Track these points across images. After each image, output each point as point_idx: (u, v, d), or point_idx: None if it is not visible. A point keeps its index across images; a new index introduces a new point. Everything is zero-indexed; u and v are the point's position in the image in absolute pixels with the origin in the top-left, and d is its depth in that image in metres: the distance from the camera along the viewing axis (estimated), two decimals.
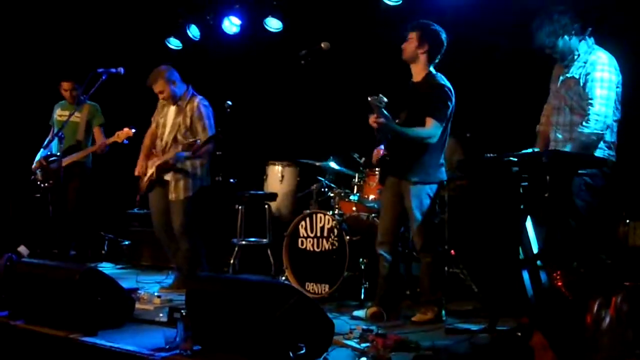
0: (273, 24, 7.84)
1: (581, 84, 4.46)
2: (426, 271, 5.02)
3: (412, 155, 4.93)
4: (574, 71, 4.53)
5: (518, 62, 6.24)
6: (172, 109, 6.20)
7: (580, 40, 4.54)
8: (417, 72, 5.07)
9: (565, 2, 4.60)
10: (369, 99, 4.79)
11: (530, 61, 5.97)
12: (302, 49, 5.35)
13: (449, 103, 4.93)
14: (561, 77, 4.65)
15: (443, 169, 5.07)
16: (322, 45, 5.27)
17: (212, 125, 6.11)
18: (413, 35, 4.98)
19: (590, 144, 4.37)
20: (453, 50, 6.67)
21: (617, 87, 4.46)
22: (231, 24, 8.05)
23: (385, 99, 4.82)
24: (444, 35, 5.00)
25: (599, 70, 4.41)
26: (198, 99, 6.16)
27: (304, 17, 7.74)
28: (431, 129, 4.86)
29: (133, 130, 6.71)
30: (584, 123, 4.37)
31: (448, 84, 4.98)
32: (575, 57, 4.56)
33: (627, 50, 4.92)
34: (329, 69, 6.50)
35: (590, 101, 4.38)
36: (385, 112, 4.81)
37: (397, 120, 4.96)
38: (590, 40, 4.56)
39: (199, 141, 5.83)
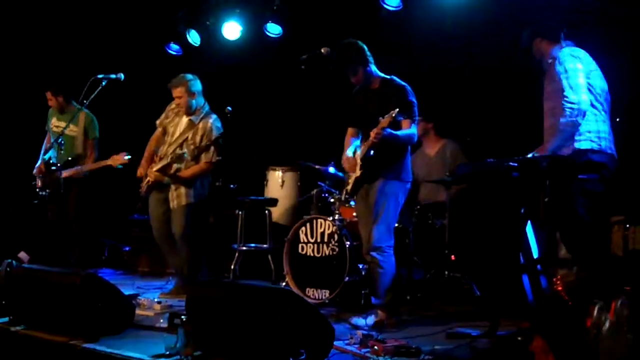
0: (273, 30, 7.85)
1: (554, 81, 4.56)
2: (376, 273, 4.95)
3: (387, 158, 4.96)
4: (549, 72, 4.65)
5: (518, 66, 6.25)
6: (184, 120, 6.18)
7: (554, 45, 4.65)
8: (373, 81, 5.12)
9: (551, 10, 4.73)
10: (396, 110, 4.81)
11: (531, 64, 5.99)
12: (302, 55, 5.36)
13: (415, 100, 5.00)
14: (545, 81, 4.75)
15: (408, 168, 5.08)
16: (322, 50, 5.29)
17: (220, 150, 6.14)
18: (349, 71, 5.05)
19: (570, 133, 4.42)
20: (453, 55, 6.73)
21: (588, 78, 4.50)
22: (231, 30, 8.06)
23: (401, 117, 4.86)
24: (360, 43, 5.07)
25: (559, 64, 4.51)
26: (212, 118, 6.14)
27: (304, 22, 7.75)
28: (412, 129, 4.94)
29: (128, 157, 6.68)
30: (561, 118, 4.42)
31: (406, 84, 5.04)
32: (550, 61, 4.66)
33: (627, 51, 4.96)
34: (329, 74, 6.51)
35: (562, 93, 4.45)
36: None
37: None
38: (565, 43, 4.67)
39: (185, 153, 5.94)
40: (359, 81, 5.09)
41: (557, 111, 4.51)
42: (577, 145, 4.45)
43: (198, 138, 6.06)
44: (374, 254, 4.92)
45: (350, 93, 5.33)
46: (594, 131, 4.47)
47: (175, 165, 6.05)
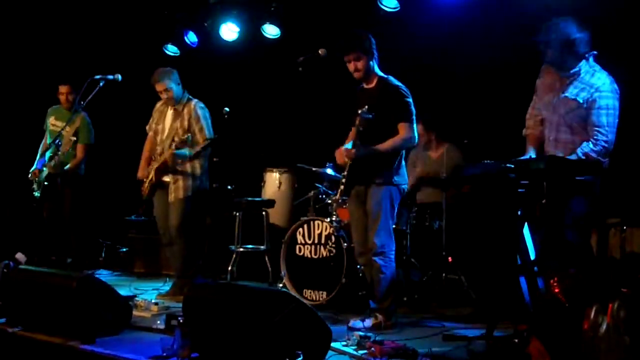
0: (270, 31, 7.86)
1: (585, 108, 4.42)
2: (377, 278, 4.94)
3: (378, 164, 4.92)
4: (577, 93, 4.46)
5: (516, 67, 6.25)
6: (169, 113, 6.25)
7: (582, 59, 4.53)
8: (371, 78, 5.07)
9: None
10: (359, 111, 4.79)
11: (529, 66, 5.98)
12: (300, 56, 5.36)
13: (411, 101, 4.95)
14: (561, 94, 4.56)
15: (402, 171, 5.05)
16: (320, 51, 5.28)
17: (210, 126, 6.19)
18: (355, 55, 4.97)
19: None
20: (450, 57, 6.73)
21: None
22: (229, 31, 8.07)
23: (370, 115, 4.82)
24: (369, 35, 5.03)
25: (605, 98, 4.38)
26: (194, 101, 6.24)
27: (302, 23, 7.75)
28: (408, 133, 4.88)
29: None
30: (592, 146, 4.35)
31: (402, 84, 5.00)
32: (577, 76, 4.51)
33: (626, 49, 4.95)
34: (326, 76, 6.52)
35: (598, 129, 4.35)
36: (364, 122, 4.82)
37: (360, 128, 4.91)
38: (591, 59, 4.53)
39: (189, 136, 6.00)
40: (357, 69, 4.99)
41: (579, 132, 4.45)
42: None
43: (186, 123, 6.14)
44: (376, 258, 4.90)
45: (347, 92, 5.31)
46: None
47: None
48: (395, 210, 5.03)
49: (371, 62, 5.00)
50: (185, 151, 6.07)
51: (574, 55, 4.48)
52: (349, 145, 5.00)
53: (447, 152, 6.53)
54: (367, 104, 4.92)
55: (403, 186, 5.05)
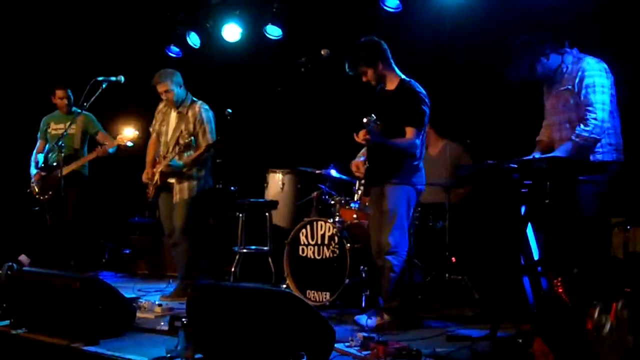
0: (273, 32, 7.86)
1: (576, 94, 4.50)
2: (388, 277, 4.93)
3: (392, 159, 4.92)
4: (567, 82, 4.56)
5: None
6: (173, 115, 6.25)
7: (562, 55, 4.58)
8: (390, 82, 5.06)
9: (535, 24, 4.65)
10: (364, 120, 4.78)
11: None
12: (302, 57, 5.36)
13: (426, 109, 4.93)
14: (554, 92, 4.68)
15: (420, 173, 5.04)
16: (322, 52, 5.28)
17: (213, 130, 6.21)
18: (360, 70, 4.99)
19: (587, 147, 4.40)
20: (453, 56, 6.72)
21: (611, 89, 4.49)
22: (231, 32, 8.07)
23: (374, 117, 4.80)
24: (375, 39, 5.02)
25: (589, 77, 4.46)
26: (199, 103, 6.25)
27: (304, 24, 7.75)
28: (412, 138, 4.86)
29: (135, 133, 6.72)
30: (582, 126, 4.38)
31: (422, 90, 4.97)
32: (564, 69, 4.60)
33: (627, 49, 4.93)
34: (329, 76, 6.51)
35: (587, 107, 4.40)
36: (373, 129, 4.81)
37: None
38: (575, 51, 4.61)
39: (193, 139, 6.04)
40: (369, 80, 5.03)
41: (576, 125, 4.48)
42: (599, 157, 4.43)
43: (191, 126, 6.16)
44: (389, 257, 4.89)
45: (349, 93, 5.32)
46: (614, 143, 4.47)
47: (185, 156, 6.11)
48: (412, 211, 5.03)
49: (379, 68, 4.99)
50: (180, 163, 6.09)
51: (550, 62, 4.62)
52: (361, 157, 5.05)
53: (447, 147, 6.53)
54: (384, 104, 4.96)
55: (420, 187, 5.05)
